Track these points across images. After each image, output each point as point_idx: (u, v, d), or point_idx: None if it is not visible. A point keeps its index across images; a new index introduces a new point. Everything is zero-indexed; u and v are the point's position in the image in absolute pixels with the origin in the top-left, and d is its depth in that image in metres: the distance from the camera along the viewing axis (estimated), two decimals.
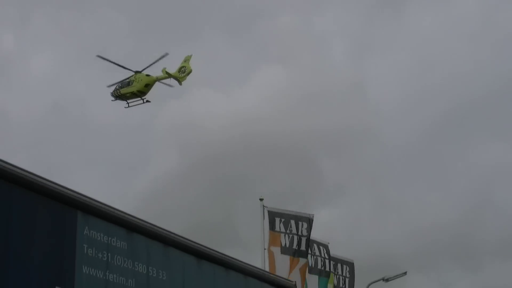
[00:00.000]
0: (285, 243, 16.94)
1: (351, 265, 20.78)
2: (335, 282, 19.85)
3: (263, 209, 17.22)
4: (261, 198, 17.35)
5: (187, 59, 32.73)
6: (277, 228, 17.15)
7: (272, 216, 17.25)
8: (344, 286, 20.01)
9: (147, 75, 32.69)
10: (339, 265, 20.18)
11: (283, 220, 17.23)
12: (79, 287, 6.47)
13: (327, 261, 18.98)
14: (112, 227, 7.02)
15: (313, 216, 17.65)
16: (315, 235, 18.45)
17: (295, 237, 17.09)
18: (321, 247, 18.97)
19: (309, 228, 17.38)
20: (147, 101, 33.17)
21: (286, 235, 17.06)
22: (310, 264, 18.02)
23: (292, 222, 17.23)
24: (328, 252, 18.96)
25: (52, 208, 6.42)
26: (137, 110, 34.22)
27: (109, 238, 6.95)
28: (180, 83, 32.73)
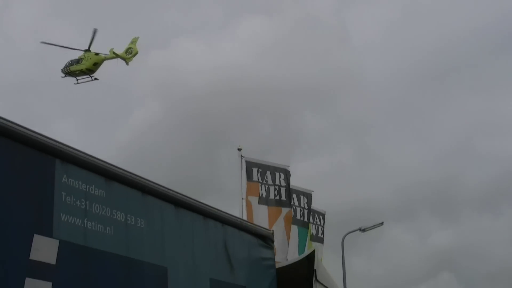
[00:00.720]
0: (262, 193, 17.23)
1: (323, 215, 21.30)
2: (313, 231, 20.32)
3: (241, 159, 17.43)
4: (239, 148, 17.54)
5: (134, 41, 35.29)
6: (254, 178, 17.41)
7: (250, 166, 17.48)
8: (322, 236, 20.52)
9: (96, 54, 34.99)
10: (316, 215, 20.67)
11: (260, 170, 17.50)
12: (58, 234, 6.58)
13: (306, 211, 19.34)
14: (91, 175, 7.12)
15: (289, 168, 17.95)
16: (296, 186, 18.82)
17: (271, 188, 17.39)
18: (301, 197, 19.31)
19: (287, 179, 17.67)
20: (95, 78, 35.56)
21: (263, 186, 17.35)
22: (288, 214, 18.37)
23: (268, 173, 17.51)
24: (309, 202, 19.32)
25: (30, 156, 6.49)
26: (118, 63, 35.69)
27: (88, 186, 7.06)
28: (127, 63, 35.35)
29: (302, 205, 19.10)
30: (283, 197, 17.48)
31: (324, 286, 10.84)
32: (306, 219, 19.34)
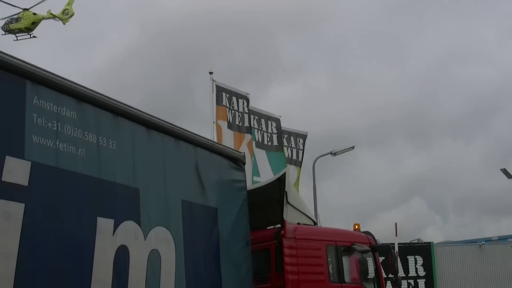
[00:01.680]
0: (230, 118, 17.46)
1: (304, 136, 21.55)
2: (288, 154, 20.65)
3: (212, 83, 17.53)
4: (210, 71, 17.60)
5: (70, 2, 37.85)
6: (223, 103, 17.61)
7: (219, 90, 17.65)
8: (297, 158, 20.84)
9: (34, 14, 37.41)
10: (292, 138, 20.92)
11: (227, 95, 17.68)
12: (30, 156, 6.71)
13: (275, 136, 19.59)
14: (62, 97, 7.19)
15: (249, 95, 18.17)
16: (269, 110, 19.06)
17: (237, 114, 17.62)
18: (270, 122, 19.54)
19: (247, 106, 17.92)
20: (34, 36, 38.28)
21: (230, 111, 17.57)
22: (257, 139, 18.63)
23: (234, 98, 17.72)
24: (278, 126, 19.56)
25: None
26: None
27: (59, 108, 7.14)
28: (64, 23, 37.99)
29: (270, 130, 19.33)
30: (246, 124, 17.79)
31: (295, 208, 11.17)
32: (275, 143, 19.62)
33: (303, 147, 21.34)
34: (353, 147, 28.31)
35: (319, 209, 26.46)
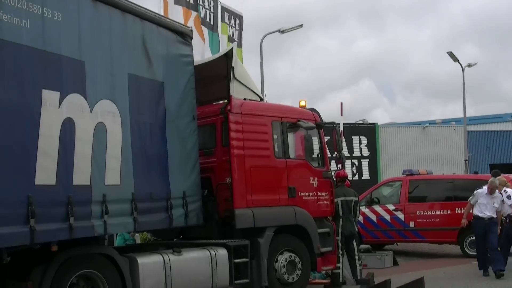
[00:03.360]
0: None
1: (240, 18, 21.53)
2: (230, 33, 20.69)
3: None
4: None
5: None
6: None
7: None
8: (234, 38, 20.90)
9: None
10: (232, 17, 20.88)
11: None
12: None
13: (212, 15, 19.46)
14: None
15: None
16: None
17: None
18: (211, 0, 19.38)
19: None
20: None
21: None
22: (201, 16, 18.58)
23: None
24: (215, 5, 19.41)
25: None
26: None
27: None
28: None
29: (211, 9, 19.21)
30: (191, 1, 17.67)
31: (242, 84, 11.41)
32: (219, 22, 19.59)
33: (239, 27, 21.34)
34: (301, 25, 28.43)
35: (267, 87, 26.94)
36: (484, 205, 13.52)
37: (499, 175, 16.20)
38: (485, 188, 13.77)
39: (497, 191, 13.33)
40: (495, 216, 13.63)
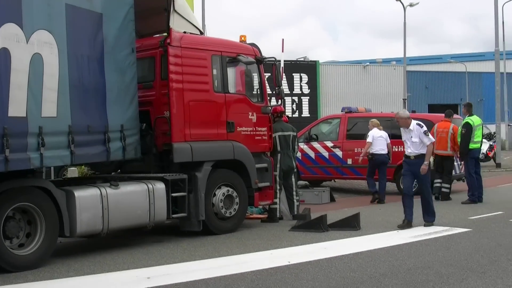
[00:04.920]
0: None
1: None
2: None
3: None
4: None
5: None
6: None
7: None
8: None
9: None
10: None
11: None
12: None
13: None
14: None
15: None
16: None
17: None
18: None
19: None
20: None
21: None
22: None
23: None
24: None
25: None
26: None
27: None
28: None
29: None
30: None
31: (182, 17, 11.41)
32: None
33: None
34: None
35: (211, 22, 26.79)
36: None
37: (452, 115, 16.82)
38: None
39: (412, 125, 12.18)
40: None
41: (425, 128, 11.97)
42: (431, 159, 16.62)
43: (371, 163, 16.96)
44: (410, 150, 12.03)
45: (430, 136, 12.05)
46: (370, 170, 17.09)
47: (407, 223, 11.95)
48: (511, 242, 10.19)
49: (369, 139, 16.77)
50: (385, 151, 16.61)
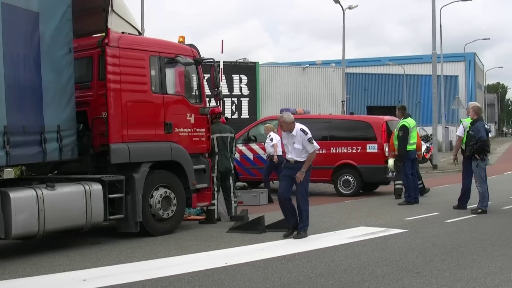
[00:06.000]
0: None
1: None
2: None
3: None
4: None
5: None
6: None
7: None
8: None
9: None
10: None
11: None
12: None
13: None
14: None
15: None
16: None
17: None
18: None
19: None
20: None
21: None
22: None
23: None
24: None
25: None
26: None
27: None
28: None
29: None
30: None
31: (120, 17, 11.45)
32: None
33: None
34: None
35: (153, 22, 26.74)
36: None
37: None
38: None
39: (296, 131, 11.48)
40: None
41: (309, 135, 11.18)
42: (391, 161, 17.17)
43: (272, 164, 17.45)
44: (291, 155, 11.34)
45: (314, 143, 11.23)
46: (269, 170, 17.89)
47: (292, 229, 11.33)
48: (446, 243, 10.50)
49: (275, 142, 17.25)
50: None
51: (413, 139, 16.60)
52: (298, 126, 11.28)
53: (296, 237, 11.11)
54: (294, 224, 11.31)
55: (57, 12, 10.38)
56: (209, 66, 13.05)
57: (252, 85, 45.71)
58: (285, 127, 11.33)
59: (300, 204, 11.30)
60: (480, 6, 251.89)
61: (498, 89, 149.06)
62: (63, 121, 10.42)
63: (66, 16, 10.51)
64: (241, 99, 45.16)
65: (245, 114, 44.69)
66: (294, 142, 11.20)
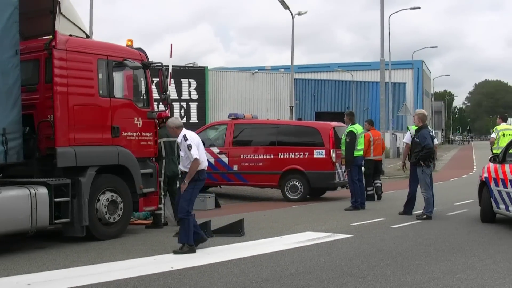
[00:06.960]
0: None
1: None
2: None
3: None
4: None
5: None
6: None
7: None
8: None
9: None
10: None
11: None
12: None
13: None
14: None
15: None
16: None
17: None
18: None
19: None
20: None
21: None
22: None
23: None
24: None
25: None
26: None
27: None
28: None
29: None
30: None
31: (68, 19, 11.44)
32: None
33: None
34: None
35: (103, 25, 26.61)
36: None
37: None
38: None
39: (180, 137, 10.62)
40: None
41: (189, 141, 10.22)
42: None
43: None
44: (180, 165, 10.77)
45: (193, 152, 10.16)
46: None
47: (189, 248, 10.34)
48: (391, 248, 10.72)
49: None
50: None
51: (360, 145, 16.91)
52: (184, 132, 10.44)
53: (176, 252, 10.28)
54: (190, 241, 10.35)
55: (4, 14, 10.31)
56: (158, 70, 13.12)
57: (201, 89, 45.77)
58: (170, 132, 10.82)
59: (181, 217, 10.47)
60: (429, 15, 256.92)
61: (445, 97, 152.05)
62: (8, 124, 10.36)
63: (12, 17, 10.45)
64: (190, 103, 45.17)
65: (193, 118, 44.70)
66: (180, 150, 10.53)
